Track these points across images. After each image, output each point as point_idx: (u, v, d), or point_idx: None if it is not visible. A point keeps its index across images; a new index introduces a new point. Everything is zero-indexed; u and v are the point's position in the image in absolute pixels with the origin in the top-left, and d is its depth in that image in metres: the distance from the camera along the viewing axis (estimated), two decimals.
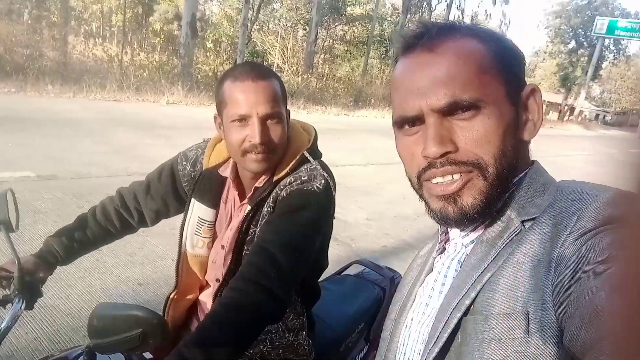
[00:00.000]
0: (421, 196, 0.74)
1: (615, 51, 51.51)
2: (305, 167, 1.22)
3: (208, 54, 20.48)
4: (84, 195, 4.48)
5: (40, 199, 4.25)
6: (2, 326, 1.06)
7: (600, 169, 12.33)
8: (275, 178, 1.22)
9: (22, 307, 1.10)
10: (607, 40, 43.92)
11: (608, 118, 48.61)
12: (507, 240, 0.66)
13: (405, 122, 0.72)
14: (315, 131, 1.33)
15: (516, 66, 0.72)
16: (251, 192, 1.26)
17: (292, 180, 1.19)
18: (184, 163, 1.38)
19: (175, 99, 12.65)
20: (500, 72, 0.68)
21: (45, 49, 13.04)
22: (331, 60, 28.09)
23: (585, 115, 47.52)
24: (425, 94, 0.67)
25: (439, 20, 0.75)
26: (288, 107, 1.26)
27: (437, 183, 0.69)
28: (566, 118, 38.88)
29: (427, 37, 0.69)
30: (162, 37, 24.60)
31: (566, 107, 42.73)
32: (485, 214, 0.68)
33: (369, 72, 23.50)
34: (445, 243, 0.80)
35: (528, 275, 0.61)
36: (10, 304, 1.11)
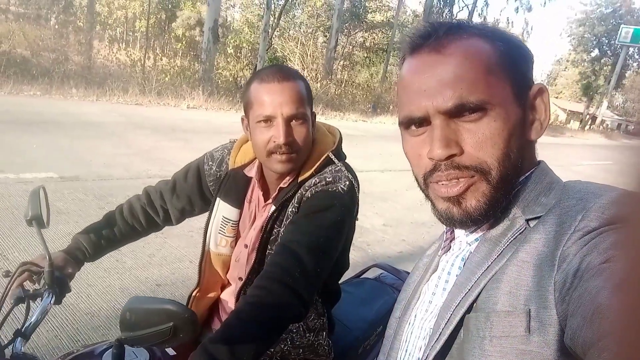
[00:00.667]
0: (427, 196, 0.75)
1: (639, 60, 50.73)
2: (330, 168, 1.24)
3: (229, 59, 20.69)
4: (105, 197, 4.56)
5: (63, 200, 4.34)
6: (32, 320, 1.09)
7: (624, 178, 12.12)
8: (300, 179, 1.24)
9: (51, 302, 1.12)
10: (631, 49, 43.24)
11: (631, 127, 47.74)
12: (512, 239, 0.66)
13: (412, 123, 0.72)
14: (340, 134, 1.35)
15: (524, 65, 0.71)
16: (276, 193, 1.28)
17: (317, 181, 1.20)
18: (210, 163, 1.41)
19: (195, 104, 12.80)
20: (507, 72, 0.68)
21: (71, 53, 13.33)
22: (350, 66, 28.14)
23: (608, 125, 46.81)
24: (431, 95, 0.67)
25: (446, 20, 0.75)
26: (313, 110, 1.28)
27: (441, 184, 0.70)
28: (588, 127, 38.30)
29: (434, 37, 0.69)
30: (183, 42, 24.93)
31: (588, 116, 42.12)
32: (489, 215, 0.69)
33: (388, 78, 23.48)
34: (450, 242, 0.80)
35: (531, 273, 0.61)
36: (40, 298, 1.14)
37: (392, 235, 4.85)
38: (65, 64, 12.55)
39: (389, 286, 1.76)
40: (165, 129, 8.85)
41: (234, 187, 1.35)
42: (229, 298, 1.40)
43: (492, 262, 0.66)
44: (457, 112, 0.67)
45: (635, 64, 50.66)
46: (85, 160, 5.73)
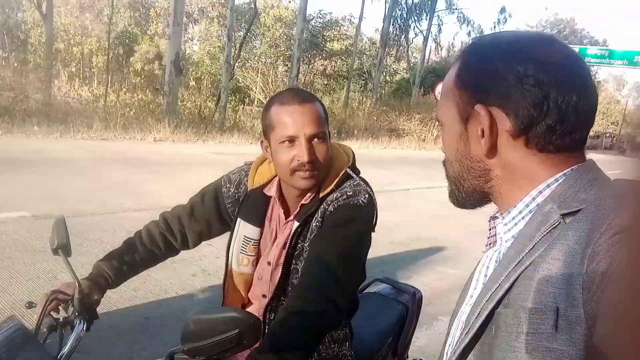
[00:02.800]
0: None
1: None
2: (349, 183, 1.30)
3: (191, 91, 20.68)
4: (81, 233, 4.46)
5: (38, 238, 4.23)
6: (65, 350, 1.09)
7: None
8: (321, 194, 1.30)
9: (83, 329, 1.14)
10: None
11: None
12: (545, 233, 0.66)
13: None
14: (353, 151, 1.43)
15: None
16: (297, 209, 1.33)
17: (339, 195, 1.27)
18: (228, 185, 1.45)
19: (162, 136, 12.70)
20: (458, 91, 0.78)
21: (31, 91, 13.08)
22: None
23: None
24: None
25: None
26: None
27: None
28: None
29: None
30: (142, 76, 24.79)
31: None
32: (465, 202, 0.83)
33: (350, 104, 23.88)
34: (494, 236, 0.82)
35: (561, 271, 0.60)
36: (70, 326, 1.15)
37: (372, 255, 4.90)
38: (26, 101, 12.29)
39: (392, 299, 1.82)
40: (135, 162, 8.74)
41: (254, 206, 1.40)
42: None
43: (523, 257, 0.66)
44: None
45: None
46: (58, 197, 5.61)
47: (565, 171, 0.72)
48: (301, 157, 1.23)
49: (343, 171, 1.32)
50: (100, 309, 3.07)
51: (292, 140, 1.24)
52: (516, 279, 0.65)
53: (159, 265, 3.76)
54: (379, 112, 22.94)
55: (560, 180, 0.71)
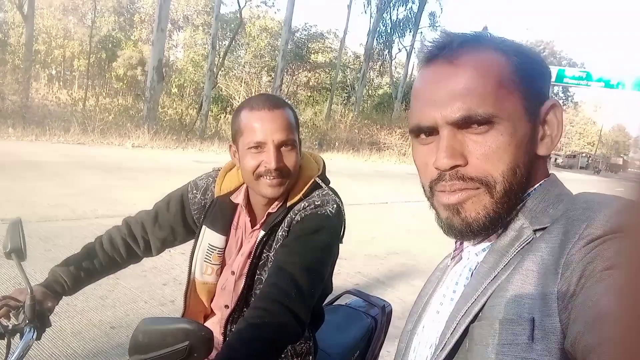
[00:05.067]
0: (432, 205, 0.75)
1: (564, 98, 54.49)
2: (318, 192, 1.28)
3: (173, 98, 20.56)
4: (51, 239, 4.35)
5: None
6: (14, 357, 1.04)
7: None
8: (289, 203, 1.27)
9: (33, 337, 1.09)
10: (556, 88, 46.43)
11: (560, 161, 50.76)
12: (519, 249, 0.66)
13: (421, 132, 0.73)
14: (323, 160, 1.40)
15: (539, 81, 0.72)
16: (264, 218, 1.30)
17: (306, 204, 1.24)
18: (195, 192, 1.42)
19: (141, 142, 12.56)
20: (520, 86, 0.68)
21: (8, 92, 12.84)
22: (295, 105, 28.58)
23: None
24: (440, 106, 0.68)
25: (462, 32, 0.75)
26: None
27: (444, 192, 0.71)
28: None
29: (448, 48, 0.70)
30: (125, 82, 24.60)
31: None
32: (488, 228, 0.69)
33: (333, 117, 23.99)
34: (460, 252, 0.81)
35: (535, 282, 0.61)
36: (20, 334, 1.10)
37: (347, 268, 4.89)
38: (1, 102, 12.07)
39: (361, 312, 1.79)
40: (111, 167, 8.61)
41: (220, 214, 1.36)
42: (213, 327, 1.37)
43: (498, 272, 0.66)
44: (464, 124, 0.67)
45: (561, 102, 54.26)
46: (28, 201, 5.47)
47: (535, 186, 0.71)
48: (268, 164, 1.20)
49: (312, 180, 1.30)
50: (64, 317, 3.04)
51: (260, 146, 1.21)
52: (492, 293, 0.65)
53: (129, 273, 3.69)
54: (360, 125, 23.11)
55: (531, 195, 0.71)
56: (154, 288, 3.72)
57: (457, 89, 0.67)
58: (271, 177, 1.21)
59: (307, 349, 1.33)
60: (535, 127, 0.70)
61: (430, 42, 0.74)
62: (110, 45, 27.30)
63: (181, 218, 1.42)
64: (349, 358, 1.57)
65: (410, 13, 28.73)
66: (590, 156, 58.69)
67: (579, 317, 0.52)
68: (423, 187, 0.76)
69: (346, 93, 31.09)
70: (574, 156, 54.12)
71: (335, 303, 1.89)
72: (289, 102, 1.31)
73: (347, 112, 25.42)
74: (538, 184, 0.72)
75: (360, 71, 26.57)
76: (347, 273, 4.76)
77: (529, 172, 0.70)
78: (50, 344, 2.75)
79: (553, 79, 37.75)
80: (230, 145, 1.33)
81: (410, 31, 28.71)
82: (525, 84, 0.69)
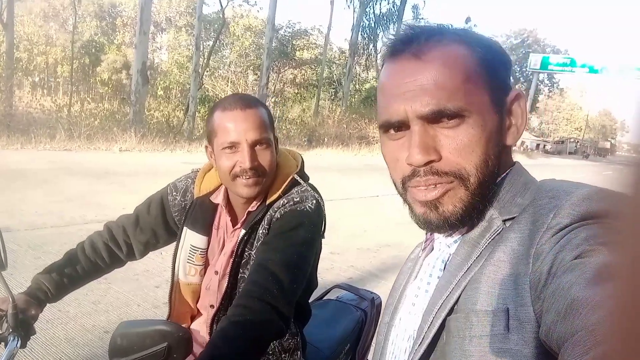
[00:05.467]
0: (405, 200, 0.75)
1: (549, 85, 54.93)
2: (297, 189, 1.28)
3: (159, 100, 20.45)
4: (40, 246, 4.32)
5: None
6: None
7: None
8: (268, 201, 1.27)
9: (17, 345, 1.08)
10: (541, 75, 46.77)
11: (548, 147, 51.21)
12: (490, 240, 0.67)
13: (391, 127, 0.72)
14: (302, 157, 1.41)
15: (502, 72, 0.72)
16: (244, 217, 1.30)
17: (285, 202, 1.24)
18: (174, 194, 1.41)
19: (128, 146, 12.49)
20: (486, 79, 0.69)
21: None
22: (282, 102, 28.57)
23: (527, 146, 49.99)
24: (410, 100, 0.68)
25: (427, 24, 0.74)
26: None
27: (419, 189, 0.70)
28: None
29: (416, 42, 0.69)
30: (110, 86, 24.43)
31: None
32: (465, 219, 0.69)
33: (321, 112, 23.98)
34: (431, 242, 0.81)
35: (507, 272, 0.62)
36: (4, 343, 1.09)
37: (340, 263, 4.91)
38: None
39: (351, 306, 1.80)
40: (98, 173, 8.55)
41: (201, 215, 1.36)
42: (200, 327, 1.38)
43: (471, 264, 0.67)
44: (434, 118, 0.67)
45: (546, 89, 54.79)
46: (16, 209, 5.42)
47: (502, 176, 0.72)
48: (243, 164, 1.20)
49: (290, 177, 1.30)
50: (57, 323, 3.02)
51: (234, 146, 1.21)
52: (466, 285, 0.66)
53: (121, 277, 3.67)
54: (349, 120, 23.13)
55: (499, 184, 0.71)
56: (146, 291, 3.71)
57: (426, 83, 0.67)
58: (247, 177, 1.21)
59: (294, 345, 1.33)
60: (502, 118, 0.71)
61: (394, 36, 0.73)
62: (93, 50, 27.09)
63: (162, 220, 1.42)
64: (339, 351, 1.57)
65: (394, 6, 28.79)
66: (578, 141, 59.20)
67: (551, 307, 0.52)
68: (394, 183, 0.76)
69: (333, 88, 31.09)
70: (562, 142, 54.55)
71: (325, 297, 1.90)
72: (262, 101, 1.31)
73: (334, 107, 25.42)
74: (505, 173, 0.72)
75: (346, 66, 26.57)
76: (340, 267, 4.77)
77: (499, 162, 0.70)
78: (43, 350, 2.73)
79: (538, 67, 38.13)
80: (207, 147, 1.33)
81: (394, 24, 28.73)
82: (491, 76, 0.70)
